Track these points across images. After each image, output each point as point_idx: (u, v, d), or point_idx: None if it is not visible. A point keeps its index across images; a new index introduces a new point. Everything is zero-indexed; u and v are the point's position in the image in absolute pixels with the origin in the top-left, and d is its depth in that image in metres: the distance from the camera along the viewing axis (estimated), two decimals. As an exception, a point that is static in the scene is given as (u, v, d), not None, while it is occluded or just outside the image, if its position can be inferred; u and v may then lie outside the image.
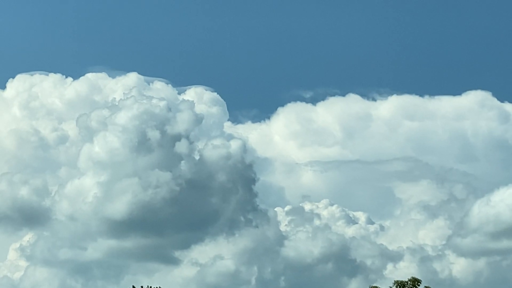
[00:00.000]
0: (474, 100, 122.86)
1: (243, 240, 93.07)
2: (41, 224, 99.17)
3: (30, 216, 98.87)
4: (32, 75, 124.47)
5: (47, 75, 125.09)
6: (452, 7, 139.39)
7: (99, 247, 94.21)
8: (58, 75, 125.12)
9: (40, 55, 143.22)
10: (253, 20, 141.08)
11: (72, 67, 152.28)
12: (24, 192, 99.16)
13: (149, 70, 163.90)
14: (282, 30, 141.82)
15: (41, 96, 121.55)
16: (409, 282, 49.38)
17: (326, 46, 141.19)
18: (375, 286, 50.54)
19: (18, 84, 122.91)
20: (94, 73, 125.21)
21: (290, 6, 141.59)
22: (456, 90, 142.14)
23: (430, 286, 50.78)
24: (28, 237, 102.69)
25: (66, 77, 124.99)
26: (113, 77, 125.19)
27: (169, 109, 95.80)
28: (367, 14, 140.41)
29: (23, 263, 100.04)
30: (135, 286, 76.73)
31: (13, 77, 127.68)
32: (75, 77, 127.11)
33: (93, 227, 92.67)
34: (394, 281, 50.05)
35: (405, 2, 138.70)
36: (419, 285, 49.24)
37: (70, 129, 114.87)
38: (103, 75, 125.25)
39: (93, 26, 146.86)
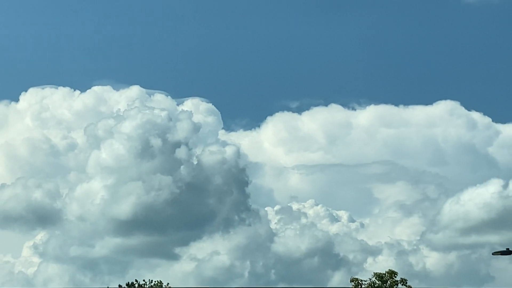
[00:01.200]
0: (444, 109, 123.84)
1: (237, 237, 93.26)
2: (53, 224, 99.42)
3: (43, 217, 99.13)
4: (43, 88, 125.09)
5: (57, 88, 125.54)
6: (421, 28, 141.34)
7: (106, 245, 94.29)
8: (67, 88, 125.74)
9: (50, 70, 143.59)
10: (244, 40, 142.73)
11: (79, 81, 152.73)
12: (37, 195, 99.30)
13: (150, 83, 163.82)
14: (271, 47, 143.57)
15: (51, 108, 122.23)
16: (386, 274, 49.97)
17: (310, 61, 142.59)
18: (355, 278, 51.09)
19: (30, 97, 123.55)
20: (99, 86, 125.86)
21: (276, 27, 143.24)
22: (427, 100, 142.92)
23: (405, 277, 50.95)
24: (40, 235, 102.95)
25: (74, 90, 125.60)
26: (117, 89, 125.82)
27: (169, 118, 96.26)
28: (348, 33, 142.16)
29: (36, 259, 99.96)
30: (137, 279, 77.28)
31: (26, 91, 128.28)
32: (83, 90, 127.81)
33: (100, 227, 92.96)
34: (374, 273, 50.69)
35: (379, 23, 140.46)
36: (395, 277, 50.08)
37: (79, 137, 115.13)
38: (108, 88, 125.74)
39: (98, 44, 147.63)
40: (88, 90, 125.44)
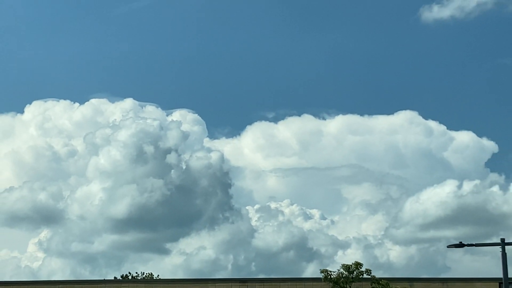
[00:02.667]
0: (404, 118, 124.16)
1: (221, 234, 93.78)
2: (56, 222, 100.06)
3: (47, 216, 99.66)
4: (45, 101, 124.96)
5: (58, 101, 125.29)
6: (384, 46, 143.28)
7: (104, 241, 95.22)
8: (67, 101, 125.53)
9: (52, 84, 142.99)
10: (226, 57, 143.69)
11: (78, 94, 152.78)
12: (42, 196, 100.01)
13: (142, 96, 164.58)
14: (250, 64, 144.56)
15: (53, 118, 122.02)
16: (353, 265, 49.74)
17: (285, 76, 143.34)
18: (325, 269, 50.83)
19: (34, 109, 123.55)
20: (96, 99, 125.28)
21: (254, 47, 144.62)
22: (389, 110, 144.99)
23: (370, 268, 50.48)
24: (44, 233, 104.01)
25: (74, 102, 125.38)
26: (113, 102, 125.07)
27: (160, 128, 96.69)
28: (318, 51, 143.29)
29: (41, 254, 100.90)
30: (130, 272, 78.47)
31: (30, 103, 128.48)
32: (81, 102, 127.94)
33: (98, 225, 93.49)
34: (341, 264, 50.53)
35: (346, 42, 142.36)
36: (361, 268, 49.76)
37: (78, 145, 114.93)
38: (104, 100, 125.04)
39: (95, 61, 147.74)
40: (86, 103, 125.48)
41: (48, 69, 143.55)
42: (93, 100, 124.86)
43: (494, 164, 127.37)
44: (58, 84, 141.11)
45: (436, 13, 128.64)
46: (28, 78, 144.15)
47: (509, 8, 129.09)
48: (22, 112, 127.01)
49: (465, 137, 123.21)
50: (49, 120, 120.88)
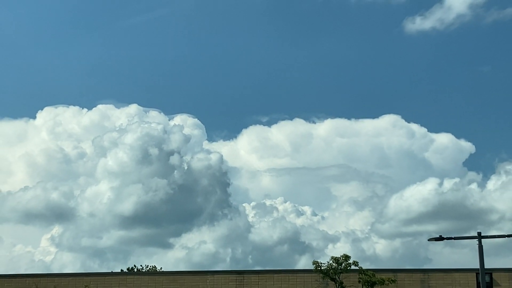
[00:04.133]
0: (388, 122, 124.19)
1: (220, 229, 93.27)
2: (67, 219, 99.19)
3: (59, 214, 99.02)
4: (56, 107, 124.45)
5: (68, 107, 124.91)
6: (370, 55, 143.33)
7: (112, 237, 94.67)
8: (76, 107, 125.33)
9: (62, 92, 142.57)
10: (224, 67, 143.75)
11: (86, 101, 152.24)
12: (54, 195, 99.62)
13: (146, 102, 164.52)
14: (246, 73, 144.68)
15: (63, 123, 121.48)
16: (341, 257, 50.03)
17: (278, 83, 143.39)
18: (316, 261, 50.96)
19: (45, 115, 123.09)
20: (103, 105, 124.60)
21: (250, 56, 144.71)
22: (374, 114, 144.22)
23: (358, 260, 50.90)
24: (56, 229, 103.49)
25: (82, 108, 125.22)
26: (118, 108, 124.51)
27: (164, 131, 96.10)
28: (308, 61, 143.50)
29: (53, 249, 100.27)
30: (135, 265, 78.03)
31: (42, 109, 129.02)
32: (89, 108, 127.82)
33: (107, 221, 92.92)
34: (331, 257, 50.79)
35: (334, 51, 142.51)
36: (349, 259, 50.16)
37: (87, 147, 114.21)
38: (110, 106, 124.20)
39: (102, 70, 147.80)
40: (93, 108, 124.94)
41: (58, 77, 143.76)
42: (100, 106, 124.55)
43: (471, 163, 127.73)
44: (68, 91, 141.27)
45: (418, 25, 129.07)
46: (40, 86, 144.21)
47: (486, 20, 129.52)
48: (34, 117, 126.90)
49: (444, 138, 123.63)
50: (60, 125, 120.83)
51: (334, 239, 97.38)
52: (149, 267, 77.63)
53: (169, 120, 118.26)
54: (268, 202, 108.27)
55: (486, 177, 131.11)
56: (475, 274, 54.45)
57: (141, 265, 77.98)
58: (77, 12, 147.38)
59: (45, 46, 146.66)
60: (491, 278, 54.29)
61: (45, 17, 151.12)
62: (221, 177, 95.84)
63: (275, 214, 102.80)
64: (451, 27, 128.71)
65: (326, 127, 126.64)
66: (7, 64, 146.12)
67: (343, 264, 50.97)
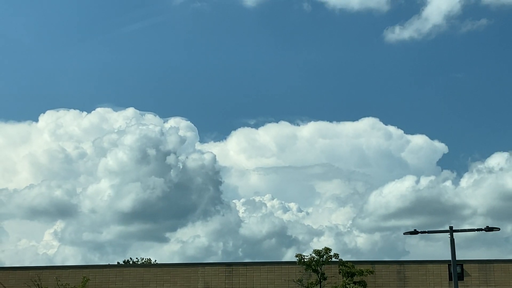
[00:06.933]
0: (367, 124, 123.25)
1: (213, 224, 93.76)
2: (70, 215, 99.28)
3: (62, 210, 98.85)
4: (57, 111, 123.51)
5: (68, 110, 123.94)
6: (351, 61, 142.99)
7: (111, 231, 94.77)
8: (77, 111, 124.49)
9: (63, 96, 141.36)
10: (214, 72, 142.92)
11: (86, 104, 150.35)
12: (58, 193, 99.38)
13: (142, 106, 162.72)
14: (234, 77, 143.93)
15: (64, 125, 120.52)
16: (322, 250, 49.67)
17: (265, 88, 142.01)
18: (299, 254, 50.55)
19: (47, 117, 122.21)
20: (102, 108, 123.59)
21: (238, 62, 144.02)
22: (354, 117, 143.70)
23: (339, 253, 50.66)
24: (59, 224, 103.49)
25: (82, 111, 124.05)
26: (116, 111, 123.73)
27: (161, 133, 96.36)
28: (293, 66, 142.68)
29: (56, 243, 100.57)
30: (131, 257, 77.92)
31: (44, 113, 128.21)
32: (88, 111, 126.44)
33: (107, 217, 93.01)
34: (313, 250, 50.24)
35: (318, 57, 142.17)
36: (330, 252, 49.76)
37: (87, 148, 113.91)
38: (109, 109, 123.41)
39: (100, 75, 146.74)
40: (93, 112, 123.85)
41: (59, 83, 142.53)
42: (99, 109, 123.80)
43: (444, 163, 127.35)
44: (68, 95, 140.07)
45: (397, 34, 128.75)
46: (42, 91, 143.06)
47: (461, 30, 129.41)
48: (37, 120, 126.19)
49: (419, 140, 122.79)
50: (61, 127, 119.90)
51: (318, 233, 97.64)
52: (144, 259, 77.34)
53: (163, 122, 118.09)
54: (257, 199, 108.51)
55: (459, 175, 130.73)
56: (447, 265, 54.41)
57: (136, 258, 77.71)
58: (76, 21, 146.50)
59: (46, 53, 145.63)
60: (462, 269, 54.27)
61: (45, 27, 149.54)
62: (214, 176, 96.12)
63: (263, 210, 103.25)
64: (428, 37, 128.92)
65: (310, 129, 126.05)
66: (11, 71, 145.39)
67: (324, 257, 50.54)
